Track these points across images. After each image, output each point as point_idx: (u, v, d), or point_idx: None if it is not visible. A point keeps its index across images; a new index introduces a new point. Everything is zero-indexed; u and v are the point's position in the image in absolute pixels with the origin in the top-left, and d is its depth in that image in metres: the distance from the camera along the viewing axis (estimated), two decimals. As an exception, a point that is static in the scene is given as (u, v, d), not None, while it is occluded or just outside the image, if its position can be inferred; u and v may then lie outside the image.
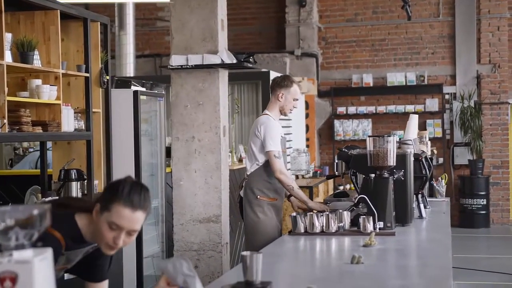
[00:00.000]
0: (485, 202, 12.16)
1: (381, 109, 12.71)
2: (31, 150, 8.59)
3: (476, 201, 12.14)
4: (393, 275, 3.15)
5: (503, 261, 9.41)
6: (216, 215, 5.55)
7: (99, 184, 5.79)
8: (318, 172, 11.04)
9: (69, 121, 5.24)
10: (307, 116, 12.33)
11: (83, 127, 5.51)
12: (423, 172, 4.98)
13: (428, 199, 5.78)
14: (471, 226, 12.08)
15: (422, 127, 12.26)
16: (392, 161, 4.36)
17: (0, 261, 1.70)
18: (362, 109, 12.79)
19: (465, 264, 8.90)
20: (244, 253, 2.74)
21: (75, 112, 5.45)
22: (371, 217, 4.18)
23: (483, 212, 12.18)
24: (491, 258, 9.75)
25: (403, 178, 4.49)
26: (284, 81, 5.25)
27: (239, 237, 7.43)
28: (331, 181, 11.27)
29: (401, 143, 5.12)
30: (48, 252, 1.78)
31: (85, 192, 5.54)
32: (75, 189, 5.37)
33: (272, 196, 5.19)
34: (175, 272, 2.47)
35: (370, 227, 4.14)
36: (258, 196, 5.13)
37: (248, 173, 5.22)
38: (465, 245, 10.62)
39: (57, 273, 2.66)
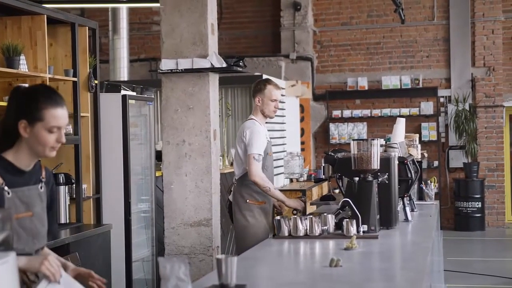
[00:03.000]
0: (480, 205, 12.17)
1: (376, 112, 12.73)
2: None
3: (471, 204, 12.14)
4: (369, 278, 3.15)
5: (497, 264, 9.41)
6: (207, 218, 5.56)
7: (87, 188, 5.80)
8: (313, 175, 11.06)
9: (56, 126, 5.24)
10: (302, 119, 12.36)
11: (71, 132, 5.53)
12: (409, 175, 4.98)
13: (417, 203, 5.79)
14: (466, 229, 12.09)
15: (417, 130, 12.29)
16: (376, 164, 4.37)
17: (-39, 265, 1.72)
18: (357, 112, 12.81)
19: (459, 267, 8.91)
20: (219, 256, 2.76)
21: (63, 117, 5.46)
22: (355, 221, 4.19)
23: (478, 215, 12.18)
24: (486, 261, 9.76)
25: (387, 182, 4.50)
26: (258, 85, 5.39)
27: (230, 241, 7.44)
28: (325, 185, 11.29)
29: (387, 146, 5.13)
30: (11, 257, 1.80)
31: (74, 196, 5.56)
32: (63, 193, 5.38)
33: (261, 199, 5.27)
34: (171, 273, 2.49)
35: (353, 230, 4.15)
36: (248, 200, 5.24)
37: (236, 178, 5.32)
38: (459, 248, 10.63)
39: (24, 222, 2.64)
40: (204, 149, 5.56)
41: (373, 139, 4.41)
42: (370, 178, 4.38)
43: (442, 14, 12.70)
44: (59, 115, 2.68)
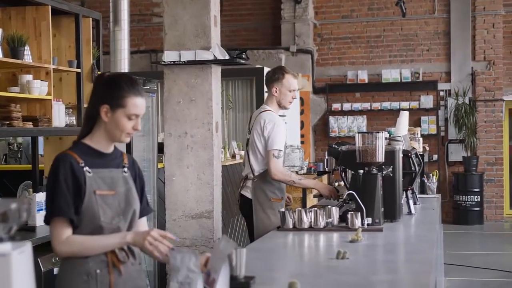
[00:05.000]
0: (479, 199, 12.20)
1: (376, 105, 12.74)
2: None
3: (470, 198, 12.17)
4: (376, 270, 3.17)
5: (496, 258, 9.44)
6: (208, 211, 5.56)
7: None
8: (313, 168, 11.07)
9: (60, 117, 5.25)
10: (302, 112, 12.36)
11: (75, 123, 5.52)
12: (413, 168, 4.99)
13: (419, 196, 5.79)
14: (465, 222, 12.12)
15: (416, 123, 12.29)
16: (380, 157, 4.37)
17: (-22, 254, 1.72)
18: (357, 105, 12.81)
19: (458, 260, 8.93)
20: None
21: (66, 108, 5.46)
22: (359, 213, 4.20)
23: (477, 209, 12.22)
24: (485, 254, 9.79)
25: (391, 175, 4.51)
26: (275, 74, 5.13)
27: (232, 233, 7.45)
28: (325, 177, 11.30)
29: (391, 139, 5.13)
30: (27, 246, 1.80)
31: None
32: (66, 185, 5.37)
33: (281, 196, 5.14)
34: (182, 264, 2.51)
35: (358, 223, 4.16)
36: (271, 198, 5.04)
37: (255, 173, 5.07)
38: (458, 242, 10.66)
39: (107, 199, 2.83)
40: (206, 141, 5.55)
41: (378, 132, 4.41)
42: (374, 171, 4.38)
43: (442, 8, 12.70)
44: (139, 104, 2.81)
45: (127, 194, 2.89)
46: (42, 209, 4.82)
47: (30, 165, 5.93)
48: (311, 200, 9.40)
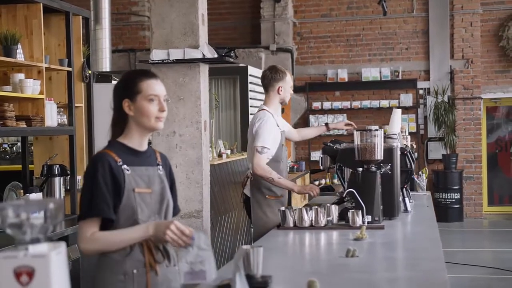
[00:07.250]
0: (458, 196, 12.30)
1: (356, 104, 12.78)
2: (5, 145, 8.49)
3: (450, 195, 12.27)
4: (388, 268, 3.17)
5: (477, 255, 9.53)
6: (197, 210, 5.53)
7: (81, 180, 5.72)
8: (295, 167, 11.10)
9: (52, 116, 5.17)
10: (282, 111, 12.29)
11: (66, 122, 5.45)
12: (408, 165, 5.01)
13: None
14: (445, 220, 12.18)
15: (397, 122, 12.34)
16: (379, 155, 4.37)
17: (16, 255, 1.69)
18: (337, 104, 12.85)
19: (441, 257, 9.00)
20: (245, 247, 2.74)
21: (57, 107, 5.38)
22: (360, 211, 4.20)
23: (457, 206, 12.31)
24: (466, 251, 9.87)
25: (390, 172, 4.52)
26: (278, 74, 5.18)
27: (220, 232, 7.42)
28: (307, 176, 11.34)
29: (386, 137, 5.15)
30: (62, 247, 1.77)
31: (68, 187, 5.48)
32: (58, 185, 5.31)
33: (279, 193, 5.12)
34: (192, 244, 2.50)
35: (359, 221, 4.16)
36: (267, 196, 5.06)
37: (251, 172, 5.09)
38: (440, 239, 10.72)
39: (145, 197, 2.81)
40: (195, 140, 5.54)
41: (377, 130, 4.41)
42: (373, 168, 4.39)
43: (421, 6, 12.78)
44: (155, 84, 2.82)
45: (162, 192, 2.88)
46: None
47: (18, 165, 5.84)
48: (295, 199, 9.40)
